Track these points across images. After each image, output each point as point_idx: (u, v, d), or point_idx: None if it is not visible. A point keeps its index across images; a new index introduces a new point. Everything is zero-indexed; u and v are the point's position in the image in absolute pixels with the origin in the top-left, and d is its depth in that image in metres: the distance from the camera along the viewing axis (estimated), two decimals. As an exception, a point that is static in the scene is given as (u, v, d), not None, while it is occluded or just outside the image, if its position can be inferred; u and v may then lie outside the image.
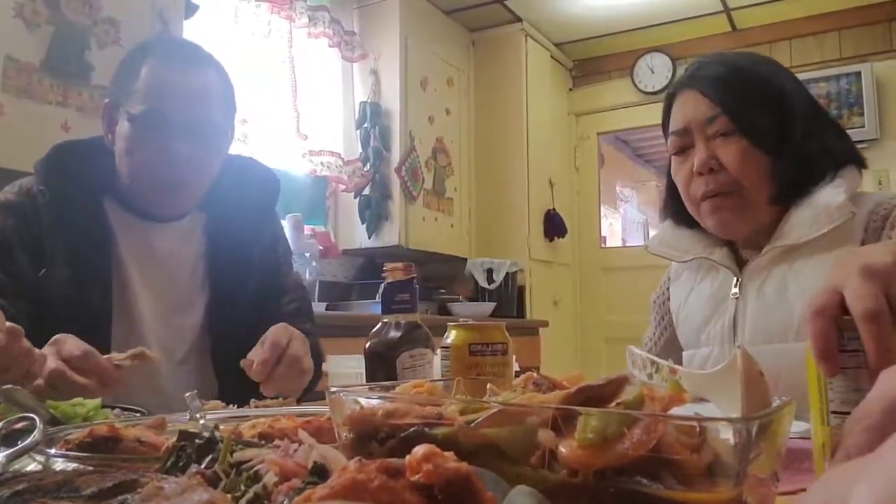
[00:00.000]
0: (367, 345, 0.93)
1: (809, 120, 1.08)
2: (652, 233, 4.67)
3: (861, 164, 1.10)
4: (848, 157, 1.08)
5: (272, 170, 1.50)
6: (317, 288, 3.19)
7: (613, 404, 0.45)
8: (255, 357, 1.10)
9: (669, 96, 1.17)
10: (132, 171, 1.24)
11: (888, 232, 1.01)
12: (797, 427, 0.73)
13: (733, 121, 1.06)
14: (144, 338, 1.25)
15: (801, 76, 4.48)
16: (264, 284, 1.39)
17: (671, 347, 1.30)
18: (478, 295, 3.97)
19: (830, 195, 1.02)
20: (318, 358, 1.31)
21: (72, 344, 0.98)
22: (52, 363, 0.94)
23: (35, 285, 1.16)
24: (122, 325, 1.22)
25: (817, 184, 1.05)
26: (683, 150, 1.12)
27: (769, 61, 1.18)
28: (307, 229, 3.27)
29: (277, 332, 1.16)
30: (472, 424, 0.43)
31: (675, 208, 1.20)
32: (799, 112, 1.08)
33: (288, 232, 2.30)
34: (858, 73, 4.03)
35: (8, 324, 0.88)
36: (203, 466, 0.43)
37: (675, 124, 1.13)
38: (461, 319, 0.97)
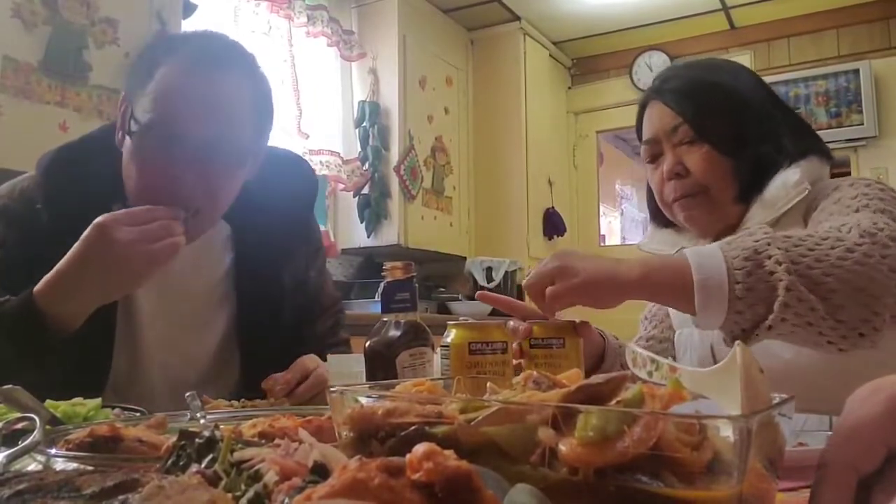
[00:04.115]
0: (367, 344, 0.93)
1: (766, 121, 1.14)
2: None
3: (825, 155, 1.15)
4: (806, 150, 1.12)
5: (308, 165, 1.35)
6: (316, 287, 3.19)
7: (613, 402, 0.45)
8: (280, 377, 1.09)
9: (640, 107, 1.25)
10: (135, 188, 1.08)
11: (812, 210, 1.06)
12: (798, 421, 0.73)
13: (694, 129, 1.13)
14: (149, 368, 1.15)
15: (799, 74, 4.44)
16: (299, 310, 1.26)
17: (659, 348, 1.30)
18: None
19: (786, 176, 1.08)
20: None
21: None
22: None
23: None
24: (126, 351, 1.13)
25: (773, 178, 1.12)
26: (655, 158, 1.20)
27: (730, 68, 1.23)
28: (306, 229, 3.27)
29: (305, 359, 1.15)
30: (473, 423, 0.43)
31: (655, 211, 1.28)
32: (756, 115, 1.14)
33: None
34: (857, 71, 4.03)
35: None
36: (203, 466, 0.43)
37: (645, 134, 1.21)
38: (461, 318, 0.97)
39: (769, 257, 0.79)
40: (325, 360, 1.20)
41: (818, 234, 0.84)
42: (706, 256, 0.82)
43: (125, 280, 0.98)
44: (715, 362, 1.13)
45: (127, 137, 1.08)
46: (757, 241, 0.82)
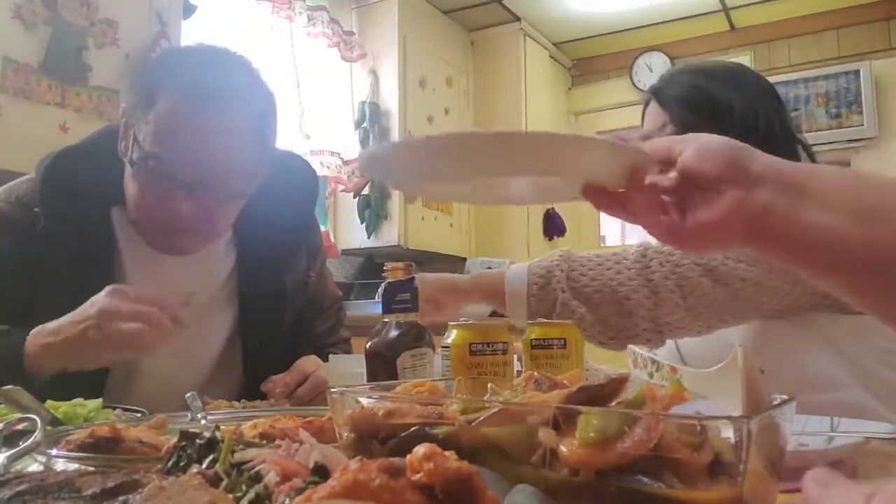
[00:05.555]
0: (368, 345, 0.93)
1: (746, 134, 1.15)
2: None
3: None
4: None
5: (310, 166, 1.35)
6: (316, 288, 3.19)
7: (614, 403, 0.45)
8: (279, 379, 1.10)
9: (644, 106, 1.30)
10: (134, 208, 1.11)
11: None
12: (798, 422, 0.73)
13: (676, 129, 1.19)
14: (150, 371, 1.14)
15: (799, 75, 4.41)
16: (300, 310, 1.28)
17: None
18: (477, 294, 3.97)
19: None
20: None
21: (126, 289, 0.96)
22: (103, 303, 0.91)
23: (27, 311, 1.03)
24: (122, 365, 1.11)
25: None
26: None
27: (726, 74, 1.24)
28: (306, 229, 3.27)
29: (305, 361, 1.15)
30: (473, 424, 0.43)
31: None
32: (737, 127, 1.16)
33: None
34: (857, 72, 4.03)
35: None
36: (204, 467, 0.43)
37: (644, 130, 1.28)
38: (462, 319, 0.97)
39: (554, 276, 1.02)
40: (325, 359, 1.20)
41: (604, 256, 1.05)
42: (517, 272, 1.05)
43: (88, 351, 0.94)
44: (680, 356, 1.16)
45: (128, 165, 1.09)
46: (552, 261, 1.05)
